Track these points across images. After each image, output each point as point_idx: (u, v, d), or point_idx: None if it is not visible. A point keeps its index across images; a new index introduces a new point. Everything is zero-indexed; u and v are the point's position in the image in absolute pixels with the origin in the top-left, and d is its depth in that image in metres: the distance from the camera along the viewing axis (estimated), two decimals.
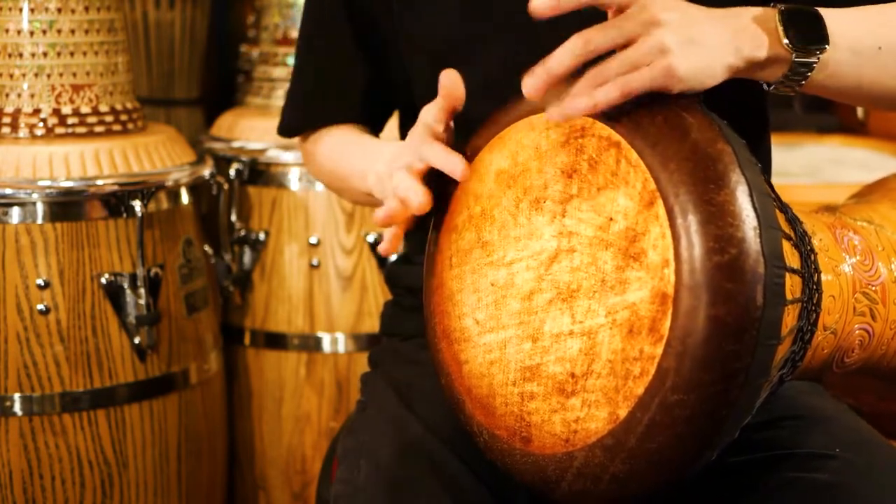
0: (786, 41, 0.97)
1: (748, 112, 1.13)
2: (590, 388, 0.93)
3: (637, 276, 0.90)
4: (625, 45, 0.94)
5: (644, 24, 0.93)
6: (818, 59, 0.98)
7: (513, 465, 1.01)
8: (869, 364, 1.09)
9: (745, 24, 0.97)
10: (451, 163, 1.02)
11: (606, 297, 0.92)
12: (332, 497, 1.19)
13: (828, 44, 0.98)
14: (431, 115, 1.05)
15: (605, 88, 0.93)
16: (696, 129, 0.91)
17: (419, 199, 1.02)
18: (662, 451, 0.90)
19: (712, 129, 0.91)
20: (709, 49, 0.94)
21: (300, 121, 1.43)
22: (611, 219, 0.92)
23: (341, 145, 1.35)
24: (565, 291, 0.95)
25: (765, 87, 1.01)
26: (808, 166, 2.38)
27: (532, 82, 0.95)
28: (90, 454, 1.80)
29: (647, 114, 0.92)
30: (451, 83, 1.03)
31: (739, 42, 0.96)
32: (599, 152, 0.94)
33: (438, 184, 1.07)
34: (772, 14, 0.98)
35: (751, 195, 0.89)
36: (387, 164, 1.11)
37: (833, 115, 2.81)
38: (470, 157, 1.06)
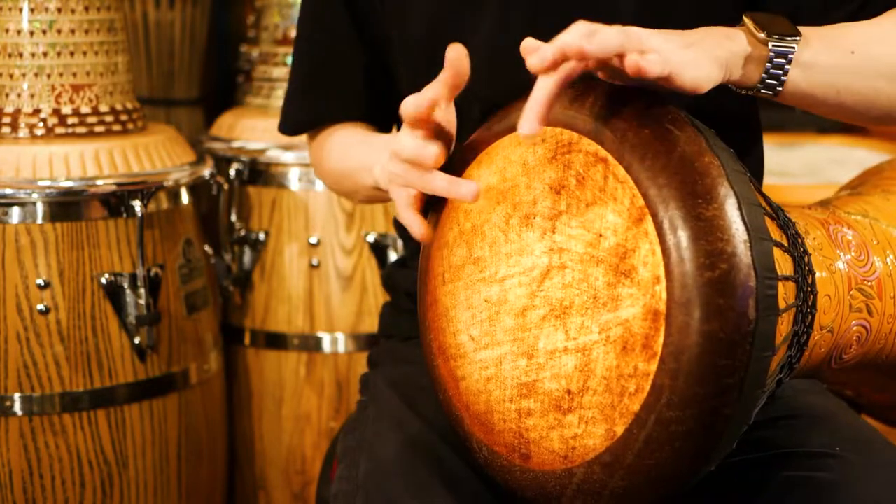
0: (761, 35, 0.99)
1: (739, 115, 1.13)
2: (586, 405, 0.93)
3: (629, 292, 0.90)
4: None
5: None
6: (794, 48, 0.99)
7: (513, 481, 1.01)
8: (867, 359, 1.09)
9: (718, 31, 0.99)
10: (456, 189, 1.01)
11: (599, 314, 0.92)
12: (332, 495, 1.19)
13: (800, 35, 1.00)
14: (429, 95, 1.03)
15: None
16: (682, 143, 0.90)
17: (432, 151, 1.00)
18: (660, 467, 0.90)
19: (699, 142, 0.91)
20: (700, 48, 0.95)
21: (302, 118, 1.41)
22: (600, 235, 0.92)
23: (347, 143, 1.34)
24: (558, 308, 0.95)
25: (745, 92, 1.02)
26: (808, 166, 2.38)
27: (539, 57, 0.91)
28: (90, 454, 1.80)
29: (633, 128, 0.92)
30: (457, 57, 1.01)
31: (714, 37, 0.98)
32: (587, 168, 0.94)
33: (428, 199, 1.06)
34: (742, 22, 1.01)
35: (740, 208, 0.89)
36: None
37: None
38: (459, 171, 1.05)
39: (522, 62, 0.97)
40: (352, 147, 1.33)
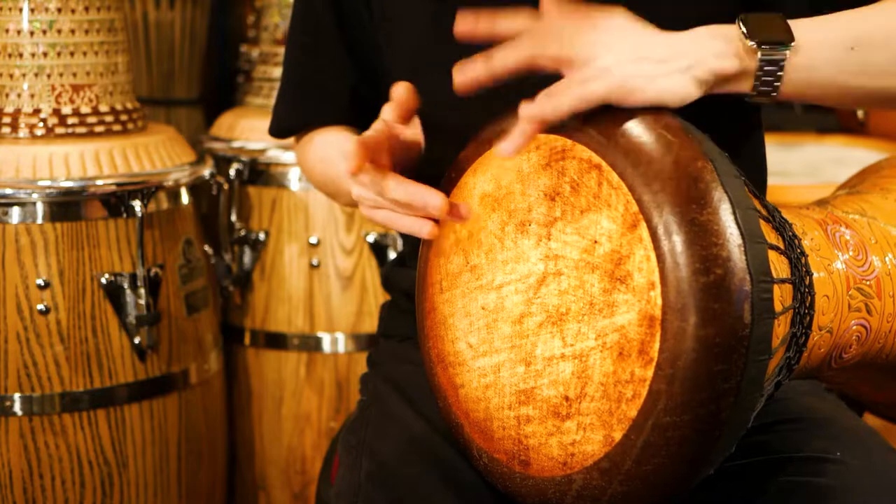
0: (750, 42, 0.97)
1: (737, 113, 1.12)
2: (584, 411, 0.93)
3: (624, 298, 0.90)
4: None
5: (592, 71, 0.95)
6: (786, 56, 0.98)
7: (513, 488, 1.01)
8: (867, 358, 1.09)
9: (703, 35, 0.98)
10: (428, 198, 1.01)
11: (595, 320, 0.92)
12: (334, 495, 1.19)
13: (793, 40, 0.98)
14: (379, 125, 1.07)
15: (555, 99, 0.94)
16: (676, 148, 0.90)
17: (436, 200, 1.01)
18: (659, 472, 0.90)
19: (692, 146, 0.91)
20: (663, 64, 0.94)
21: (290, 121, 1.42)
22: (595, 241, 0.92)
23: (328, 148, 1.35)
24: (555, 314, 0.95)
25: (745, 98, 1.00)
26: (808, 166, 2.38)
27: (464, 71, 0.98)
28: (90, 454, 1.80)
29: (626, 134, 0.92)
30: (400, 94, 1.06)
31: (700, 52, 0.96)
32: (581, 175, 0.94)
33: None
34: (733, 24, 0.98)
35: (734, 212, 0.89)
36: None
37: (833, 115, 2.81)
38: (454, 179, 1.06)
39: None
40: (332, 153, 1.33)
